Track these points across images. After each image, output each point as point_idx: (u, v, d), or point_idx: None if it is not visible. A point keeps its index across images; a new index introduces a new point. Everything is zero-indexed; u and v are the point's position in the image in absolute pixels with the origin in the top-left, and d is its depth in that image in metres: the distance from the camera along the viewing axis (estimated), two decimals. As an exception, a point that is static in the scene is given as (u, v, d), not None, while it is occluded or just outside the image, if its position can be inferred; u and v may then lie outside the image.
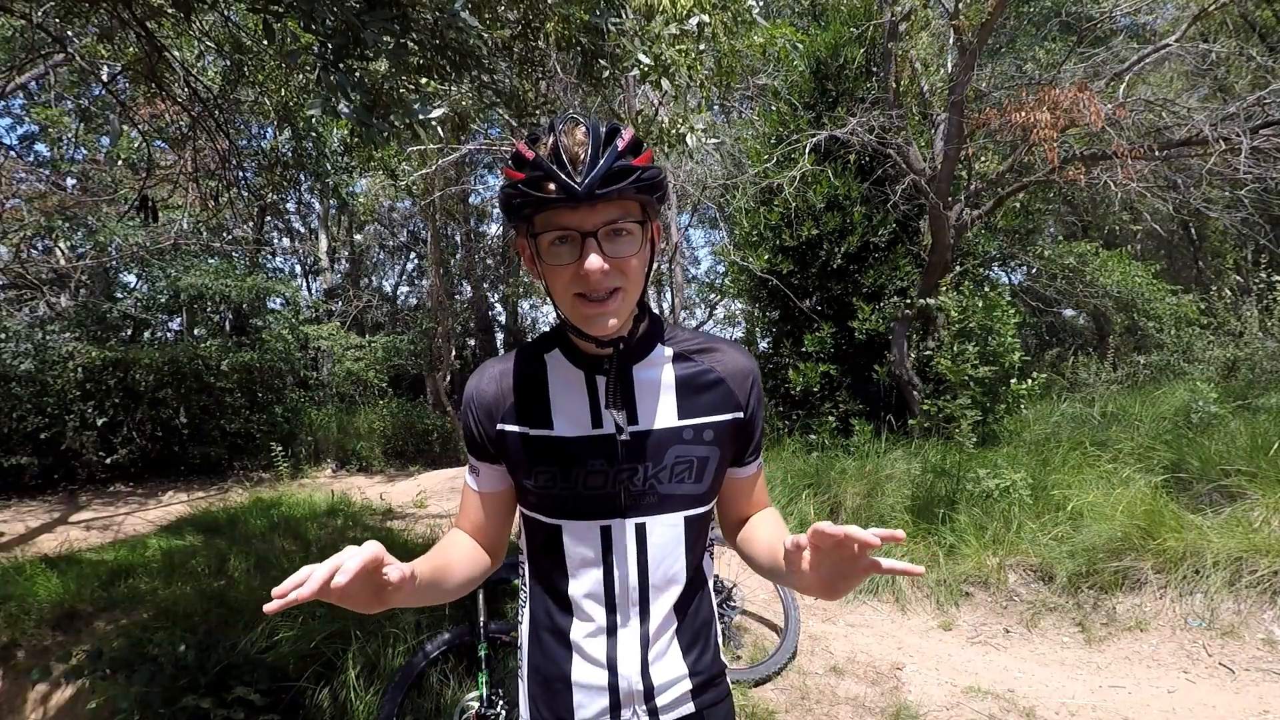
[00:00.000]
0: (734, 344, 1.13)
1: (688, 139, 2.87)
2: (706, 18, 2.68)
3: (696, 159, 8.80)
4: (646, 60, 2.45)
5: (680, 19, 2.60)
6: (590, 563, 1.04)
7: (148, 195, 3.69)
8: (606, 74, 2.58)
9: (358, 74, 1.80)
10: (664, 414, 1.04)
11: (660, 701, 1.07)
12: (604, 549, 1.04)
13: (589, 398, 1.03)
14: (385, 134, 1.92)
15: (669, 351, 1.07)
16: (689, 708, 1.09)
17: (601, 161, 0.87)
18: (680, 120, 2.86)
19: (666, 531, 1.05)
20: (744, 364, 1.09)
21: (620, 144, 0.89)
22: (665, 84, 2.57)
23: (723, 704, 1.13)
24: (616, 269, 0.92)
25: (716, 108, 10.17)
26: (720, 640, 1.18)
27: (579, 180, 0.86)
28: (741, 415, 1.07)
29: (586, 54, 2.49)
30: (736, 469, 1.12)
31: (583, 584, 1.05)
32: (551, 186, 0.87)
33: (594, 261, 0.89)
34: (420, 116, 1.94)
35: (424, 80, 2.36)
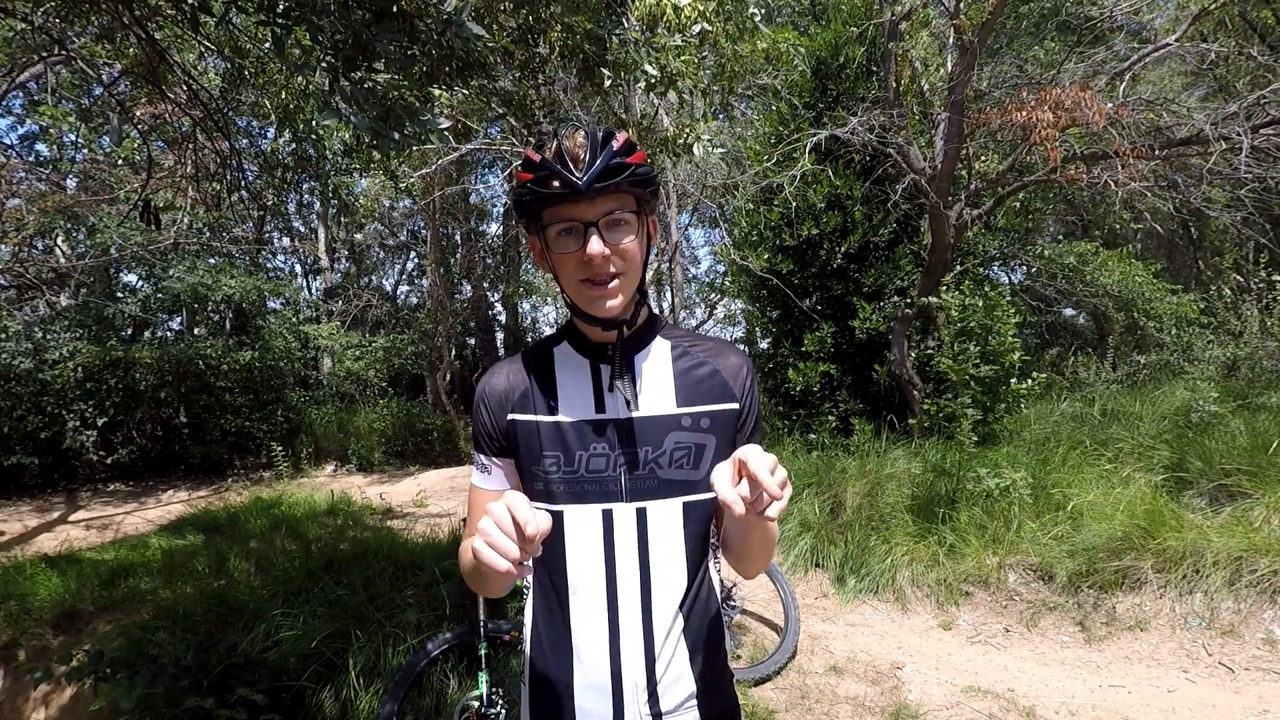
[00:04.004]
0: (726, 342, 1.21)
1: (695, 149, 2.89)
2: (709, 26, 2.68)
3: (699, 166, 8.81)
4: (653, 72, 2.46)
5: (684, 28, 2.61)
6: (592, 550, 1.07)
7: (150, 200, 3.69)
8: (609, 82, 2.59)
9: (368, 84, 1.80)
10: (663, 400, 1.09)
11: (664, 705, 1.06)
12: (605, 534, 1.07)
13: (593, 384, 1.10)
14: (399, 143, 1.93)
15: (666, 344, 1.15)
16: (694, 715, 1.08)
17: (599, 160, 0.98)
18: (688, 129, 2.87)
19: (666, 517, 1.08)
20: (736, 359, 1.16)
21: (615, 145, 0.99)
22: (671, 95, 2.58)
23: (729, 714, 1.12)
24: (616, 255, 1.02)
25: (719, 111, 10.14)
26: (729, 648, 1.17)
27: (579, 176, 0.97)
28: (737, 406, 1.12)
29: (589, 62, 2.49)
30: None
31: (584, 574, 1.07)
32: (556, 183, 0.98)
33: (595, 246, 0.99)
34: (431, 127, 1.95)
35: (434, 90, 2.36)
